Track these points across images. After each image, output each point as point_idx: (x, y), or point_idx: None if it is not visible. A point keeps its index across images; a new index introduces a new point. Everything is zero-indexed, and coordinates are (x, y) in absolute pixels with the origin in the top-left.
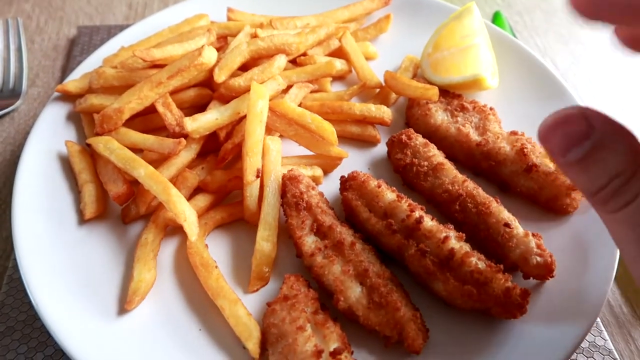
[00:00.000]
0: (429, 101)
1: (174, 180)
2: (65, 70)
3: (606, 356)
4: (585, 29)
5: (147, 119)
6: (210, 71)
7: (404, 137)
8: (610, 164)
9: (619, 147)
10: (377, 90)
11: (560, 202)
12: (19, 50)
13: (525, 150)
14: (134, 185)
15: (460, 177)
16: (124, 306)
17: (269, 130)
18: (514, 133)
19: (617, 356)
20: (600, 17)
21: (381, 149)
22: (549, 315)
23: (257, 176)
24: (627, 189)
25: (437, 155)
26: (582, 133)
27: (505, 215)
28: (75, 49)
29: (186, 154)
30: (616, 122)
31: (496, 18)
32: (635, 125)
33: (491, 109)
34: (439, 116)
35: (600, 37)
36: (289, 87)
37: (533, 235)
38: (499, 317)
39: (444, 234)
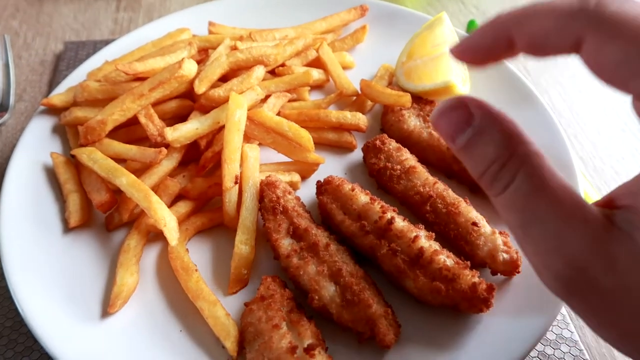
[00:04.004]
0: (403, 107)
1: (156, 188)
2: (52, 85)
3: (572, 347)
4: None
5: (130, 130)
6: (191, 83)
7: (377, 142)
8: (487, 150)
9: (495, 134)
10: (354, 98)
11: None
12: (6, 66)
13: None
14: (116, 194)
15: (431, 179)
16: (107, 310)
17: (247, 139)
18: None
19: (582, 347)
20: (488, 63)
21: (357, 154)
22: (515, 309)
23: (236, 182)
24: (502, 175)
25: (409, 159)
26: (464, 120)
27: (474, 214)
28: (62, 64)
29: (168, 163)
30: (493, 109)
31: (470, 26)
32: (608, 125)
33: None
34: (412, 122)
35: None
36: (268, 96)
37: (500, 233)
38: (467, 311)
39: (414, 234)
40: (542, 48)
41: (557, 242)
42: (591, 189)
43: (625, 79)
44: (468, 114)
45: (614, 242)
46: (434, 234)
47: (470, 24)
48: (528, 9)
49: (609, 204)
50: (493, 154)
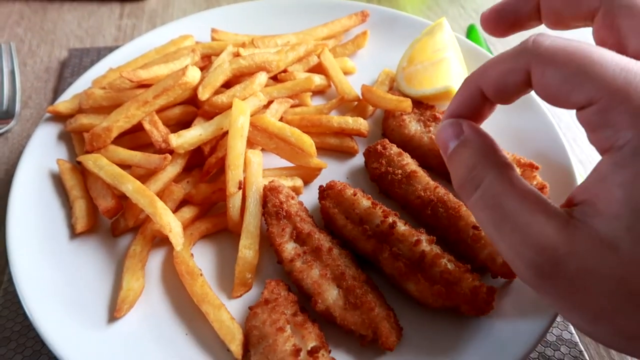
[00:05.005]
0: (404, 112)
1: (161, 194)
2: (57, 92)
3: (572, 349)
4: None
5: (134, 137)
6: (195, 89)
7: (379, 147)
8: (467, 157)
9: (475, 145)
10: (355, 103)
11: None
12: (12, 73)
13: None
14: (122, 199)
15: (432, 183)
16: (113, 314)
17: (250, 144)
18: None
19: (582, 348)
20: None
21: (359, 159)
22: (515, 311)
23: (239, 188)
24: (474, 175)
25: (410, 163)
26: (456, 134)
27: (474, 218)
28: (66, 71)
29: (172, 169)
30: (479, 129)
31: (470, 31)
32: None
33: None
34: (413, 126)
35: None
36: (270, 102)
37: None
38: (469, 314)
39: (416, 238)
40: (505, 91)
41: (526, 233)
42: None
43: (565, 95)
44: (460, 130)
45: (573, 230)
46: (435, 237)
47: (470, 28)
48: (486, 63)
49: (569, 203)
50: (471, 160)
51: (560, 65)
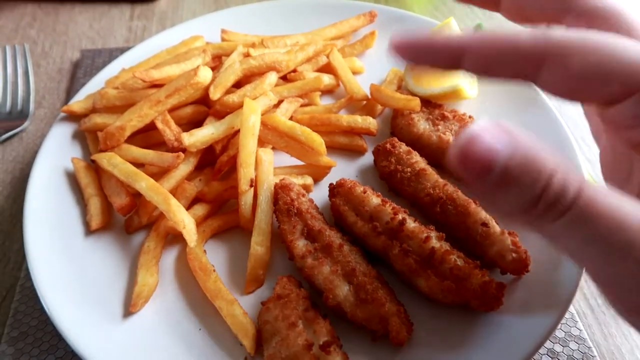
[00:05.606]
0: (412, 111)
1: (174, 192)
2: (70, 92)
3: (581, 345)
4: None
5: (147, 136)
6: (206, 89)
7: (388, 145)
8: (540, 171)
9: (534, 156)
10: (364, 102)
11: None
12: (26, 74)
13: None
14: (136, 197)
15: (441, 181)
16: (129, 309)
17: (261, 143)
18: None
19: (590, 344)
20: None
21: (368, 157)
22: (525, 307)
23: (251, 186)
24: (561, 194)
25: (419, 161)
26: (504, 142)
27: (483, 215)
28: (79, 72)
29: (184, 167)
30: (518, 132)
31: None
32: None
33: (470, 117)
34: (422, 125)
35: None
36: (280, 101)
37: (509, 233)
38: (478, 310)
39: (426, 234)
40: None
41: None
42: None
43: (596, 88)
44: (505, 135)
45: None
46: (444, 234)
47: (478, 27)
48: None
49: None
50: (546, 173)
51: (587, 55)
